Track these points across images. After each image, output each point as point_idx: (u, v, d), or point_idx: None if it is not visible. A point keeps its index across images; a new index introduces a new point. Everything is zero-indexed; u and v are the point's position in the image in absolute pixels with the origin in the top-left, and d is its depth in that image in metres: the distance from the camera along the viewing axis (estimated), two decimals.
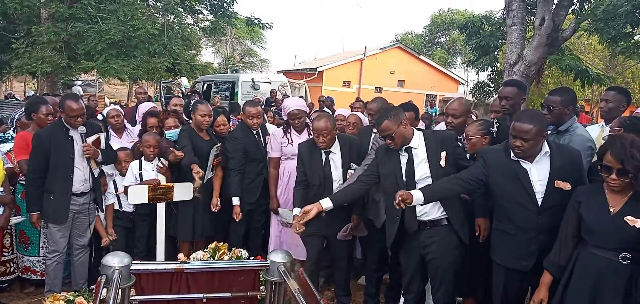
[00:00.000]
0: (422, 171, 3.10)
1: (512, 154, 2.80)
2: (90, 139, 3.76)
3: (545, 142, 2.78)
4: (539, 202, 2.73)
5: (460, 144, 3.41)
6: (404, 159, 3.14)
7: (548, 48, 8.42)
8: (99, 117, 4.64)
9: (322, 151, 3.70)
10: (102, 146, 3.91)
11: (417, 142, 3.14)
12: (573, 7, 9.05)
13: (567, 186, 2.68)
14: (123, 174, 4.14)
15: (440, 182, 2.99)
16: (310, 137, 4.09)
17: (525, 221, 2.78)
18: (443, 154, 3.08)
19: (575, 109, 3.62)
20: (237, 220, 4.19)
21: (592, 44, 19.63)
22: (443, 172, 3.06)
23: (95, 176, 3.87)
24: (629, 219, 2.32)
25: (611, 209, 2.39)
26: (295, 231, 3.26)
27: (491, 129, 3.48)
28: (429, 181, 3.07)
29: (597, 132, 3.67)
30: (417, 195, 2.89)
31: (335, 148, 3.73)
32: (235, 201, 4.16)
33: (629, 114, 3.59)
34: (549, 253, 2.69)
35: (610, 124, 3.26)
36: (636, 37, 10.76)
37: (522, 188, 2.76)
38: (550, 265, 2.61)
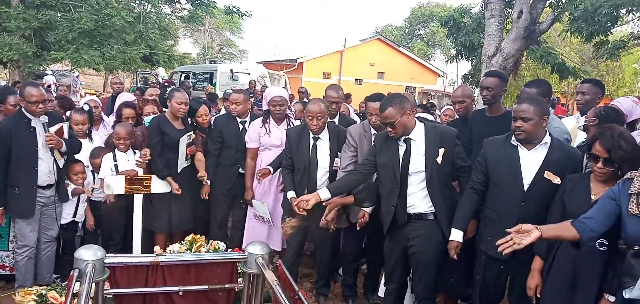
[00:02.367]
0: (416, 165, 3.07)
1: (513, 140, 2.83)
2: (52, 129, 3.60)
3: (548, 134, 2.82)
4: (525, 188, 2.77)
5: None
6: (401, 149, 3.11)
7: (525, 41, 8.51)
8: (85, 107, 4.48)
9: (311, 137, 3.69)
10: (65, 135, 3.76)
11: (417, 134, 3.10)
12: (550, 0, 9.16)
13: (556, 180, 2.71)
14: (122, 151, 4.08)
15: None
16: (293, 126, 4.12)
17: (509, 207, 2.81)
18: (441, 150, 3.04)
19: (552, 100, 3.68)
20: (205, 197, 4.24)
21: (568, 37, 20.00)
22: (438, 169, 3.04)
23: (61, 167, 3.74)
24: None
25: (592, 197, 2.45)
26: (298, 212, 3.25)
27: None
28: (422, 175, 3.05)
29: (573, 123, 3.74)
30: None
31: (324, 135, 3.74)
32: (206, 181, 4.26)
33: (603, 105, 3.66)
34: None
35: (586, 115, 3.30)
36: (613, 37, 11.00)
37: (511, 171, 2.80)
38: (539, 250, 2.65)
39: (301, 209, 3.19)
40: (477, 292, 3.07)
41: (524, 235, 2.21)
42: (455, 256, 2.96)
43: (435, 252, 3.09)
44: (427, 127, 3.13)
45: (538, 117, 2.73)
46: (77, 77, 19.95)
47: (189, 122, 4.30)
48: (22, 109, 3.57)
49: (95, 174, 4.09)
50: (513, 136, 2.84)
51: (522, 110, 2.74)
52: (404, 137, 3.08)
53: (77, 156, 3.96)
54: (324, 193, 3.23)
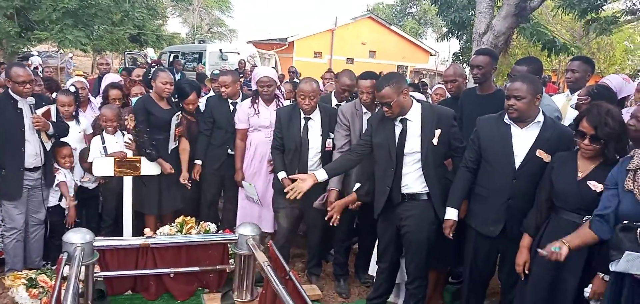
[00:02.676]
0: (412, 145, 3.04)
1: (505, 118, 2.83)
2: (39, 111, 3.55)
3: (542, 113, 2.81)
4: (517, 166, 2.78)
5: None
6: (398, 130, 3.08)
7: (516, 18, 8.47)
8: (72, 89, 4.40)
9: (302, 117, 3.67)
10: (53, 117, 3.71)
11: (414, 114, 3.07)
12: None
13: (548, 158, 2.71)
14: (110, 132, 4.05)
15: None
16: (283, 106, 4.09)
17: (500, 184, 2.83)
18: (437, 131, 3.02)
19: (543, 78, 3.68)
20: (196, 178, 4.24)
21: (559, 15, 19.98)
22: (433, 150, 3.02)
23: (48, 150, 3.69)
24: (591, 183, 2.42)
25: (579, 174, 2.48)
26: (291, 197, 3.16)
27: None
28: (418, 156, 3.03)
29: (563, 101, 3.75)
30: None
31: (316, 116, 3.71)
32: (197, 161, 4.27)
33: (594, 83, 3.67)
34: (517, 221, 2.77)
35: (578, 92, 3.31)
36: (605, 13, 10.98)
37: (503, 149, 2.81)
38: (527, 228, 2.69)
39: (297, 192, 3.12)
40: (468, 269, 3.10)
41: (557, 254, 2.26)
42: (450, 235, 2.98)
43: (427, 232, 3.09)
44: (424, 108, 3.11)
45: (531, 96, 2.73)
46: (71, 58, 19.68)
47: (175, 101, 4.25)
48: (9, 90, 3.51)
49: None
50: (506, 114, 2.84)
51: (516, 88, 2.74)
52: (400, 117, 3.06)
53: (64, 139, 3.91)
54: (320, 174, 3.19)
